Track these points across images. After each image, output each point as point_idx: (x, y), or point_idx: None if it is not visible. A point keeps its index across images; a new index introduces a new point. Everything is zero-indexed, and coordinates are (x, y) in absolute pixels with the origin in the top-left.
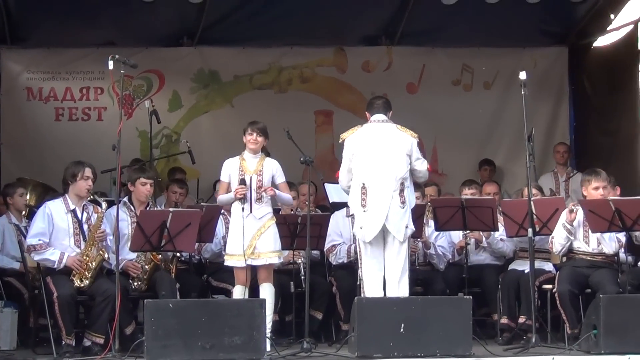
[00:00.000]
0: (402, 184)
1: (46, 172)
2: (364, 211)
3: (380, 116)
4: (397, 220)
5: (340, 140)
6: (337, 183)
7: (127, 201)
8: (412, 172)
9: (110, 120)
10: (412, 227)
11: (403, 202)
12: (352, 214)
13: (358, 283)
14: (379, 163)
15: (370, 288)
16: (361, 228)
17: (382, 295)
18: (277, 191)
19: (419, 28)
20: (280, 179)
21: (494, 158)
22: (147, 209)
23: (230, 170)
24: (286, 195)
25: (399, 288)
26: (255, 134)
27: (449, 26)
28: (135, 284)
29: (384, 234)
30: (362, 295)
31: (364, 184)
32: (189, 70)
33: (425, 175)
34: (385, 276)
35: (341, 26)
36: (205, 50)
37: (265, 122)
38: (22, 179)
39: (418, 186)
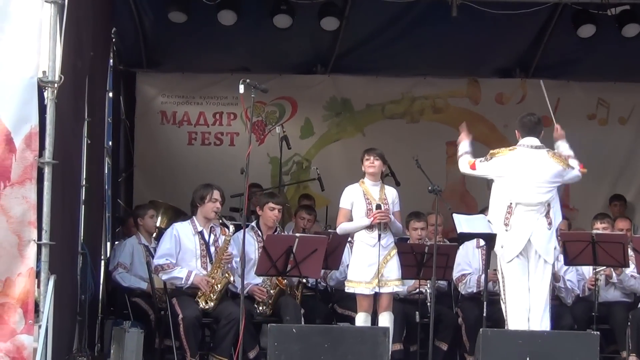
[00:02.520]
0: (548, 205)
1: (177, 195)
2: (507, 230)
3: (532, 140)
4: (545, 241)
5: (489, 156)
6: (466, 214)
7: (255, 226)
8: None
9: (242, 145)
10: (559, 249)
11: (550, 224)
12: (484, 245)
13: (484, 314)
14: (527, 188)
15: (515, 320)
16: (502, 247)
17: (526, 326)
18: (391, 217)
19: (555, 61)
20: (397, 207)
21: (626, 194)
22: (274, 234)
23: (352, 197)
24: (399, 224)
25: (542, 321)
26: (372, 158)
27: (585, 59)
28: (260, 308)
29: (527, 258)
30: (505, 327)
31: (510, 204)
32: (322, 98)
33: (578, 179)
34: (530, 306)
35: (475, 57)
36: (338, 79)
37: (397, 152)
38: (153, 202)
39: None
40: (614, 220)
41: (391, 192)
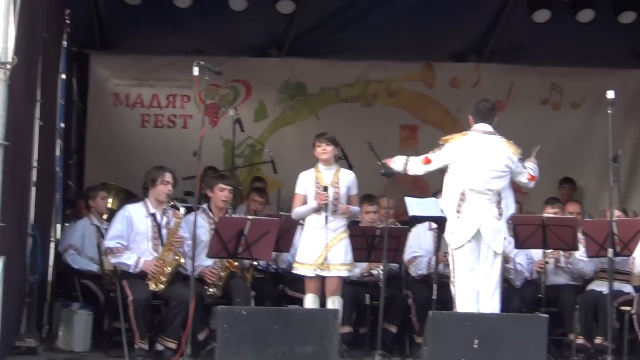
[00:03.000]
0: (499, 194)
1: (130, 177)
2: (458, 217)
3: (485, 126)
4: (493, 232)
5: (441, 142)
6: (418, 197)
7: (206, 208)
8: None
9: (195, 128)
10: (510, 239)
11: (500, 214)
12: (435, 227)
13: (434, 297)
14: (479, 174)
15: (464, 302)
16: (452, 233)
17: (476, 309)
18: (352, 208)
19: (509, 45)
20: (354, 190)
21: (578, 178)
22: (226, 216)
23: (306, 183)
24: (355, 208)
25: (491, 303)
26: (323, 144)
27: (540, 44)
28: (211, 290)
29: (478, 245)
30: (454, 309)
31: (462, 191)
32: (276, 81)
33: (527, 186)
34: (479, 290)
35: (430, 41)
36: (293, 62)
37: (350, 135)
38: (105, 184)
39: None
40: (564, 204)
41: (346, 176)
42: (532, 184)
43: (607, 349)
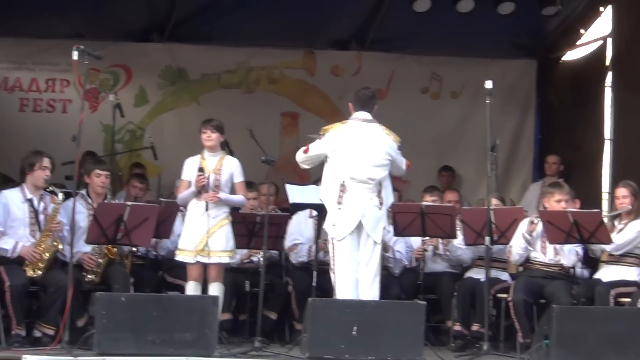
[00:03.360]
0: (380, 184)
1: (7, 162)
2: (339, 208)
3: (364, 114)
4: (374, 221)
5: (321, 132)
6: (299, 184)
7: (84, 194)
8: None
9: (75, 113)
10: (388, 229)
11: (381, 204)
12: (316, 215)
13: (313, 284)
14: (359, 163)
15: (344, 290)
16: (334, 225)
17: (355, 297)
18: (223, 195)
19: (390, 34)
20: (238, 178)
21: (457, 167)
22: (105, 202)
23: (191, 169)
24: (238, 197)
25: (371, 291)
26: (208, 131)
27: (420, 34)
28: (89, 276)
29: (358, 234)
30: (334, 296)
31: (343, 182)
32: (157, 66)
33: (403, 173)
34: (359, 277)
35: (312, 29)
36: (174, 47)
37: (231, 122)
38: None
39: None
40: (443, 191)
41: (230, 163)
42: (406, 171)
43: (484, 336)
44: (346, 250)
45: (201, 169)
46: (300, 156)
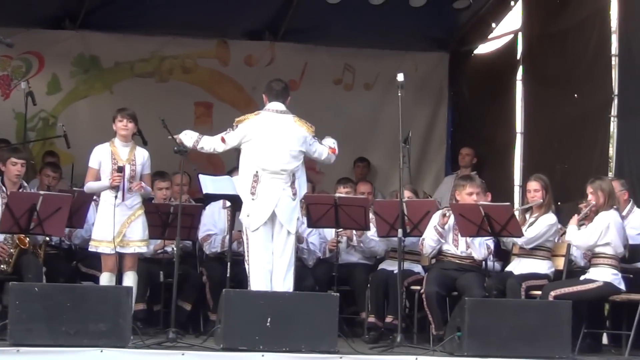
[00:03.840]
0: (294, 175)
1: None
2: (253, 199)
3: (278, 105)
4: (288, 212)
5: (234, 124)
6: (212, 174)
7: None
8: (315, 160)
9: None
10: (302, 220)
11: (294, 194)
12: (229, 205)
13: (227, 275)
14: (273, 154)
15: (258, 281)
16: (248, 216)
17: (269, 288)
18: (144, 186)
19: (303, 25)
20: (147, 170)
21: (371, 158)
22: (20, 190)
23: (100, 157)
24: (148, 187)
25: (285, 282)
26: (125, 120)
27: (332, 25)
28: (1, 266)
29: (272, 225)
30: (248, 287)
31: (256, 172)
32: (70, 54)
33: (330, 161)
34: (272, 269)
35: (225, 18)
36: (87, 35)
37: (144, 111)
38: None
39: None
40: (357, 183)
41: (141, 154)
42: (333, 158)
43: (398, 328)
44: (260, 241)
45: (120, 169)
46: (215, 145)
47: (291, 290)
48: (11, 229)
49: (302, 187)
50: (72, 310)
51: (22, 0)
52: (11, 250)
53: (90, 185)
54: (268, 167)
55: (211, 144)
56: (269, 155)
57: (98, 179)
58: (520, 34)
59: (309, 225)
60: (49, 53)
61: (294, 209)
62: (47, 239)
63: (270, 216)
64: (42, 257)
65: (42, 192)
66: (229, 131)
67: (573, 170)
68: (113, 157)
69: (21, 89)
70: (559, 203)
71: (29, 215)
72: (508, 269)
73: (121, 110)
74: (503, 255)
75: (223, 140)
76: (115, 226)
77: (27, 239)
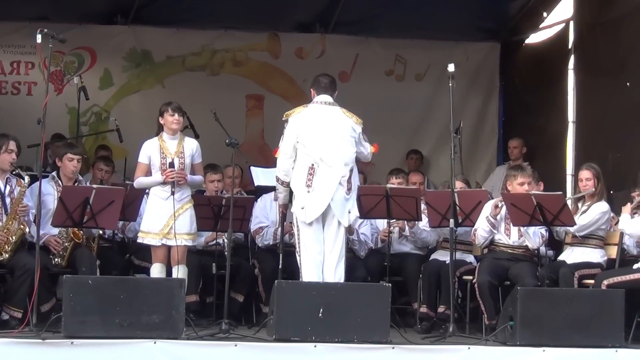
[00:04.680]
0: (350, 168)
1: None
2: (308, 192)
3: (326, 97)
4: (342, 206)
5: (284, 118)
6: (264, 167)
7: (55, 176)
8: (358, 155)
9: (40, 95)
10: (356, 213)
11: (349, 190)
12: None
13: (280, 266)
14: (328, 146)
15: (309, 272)
16: (302, 208)
17: (320, 279)
18: (188, 177)
19: (354, 17)
20: (198, 159)
21: (422, 149)
22: (75, 185)
23: (150, 152)
24: (198, 177)
25: (336, 273)
26: (176, 114)
27: (383, 16)
28: (56, 260)
29: (323, 217)
30: (300, 278)
31: (312, 165)
32: (122, 49)
33: (368, 158)
34: (324, 260)
35: (276, 11)
36: (139, 30)
37: (196, 104)
38: None
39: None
40: (408, 174)
41: (190, 145)
42: (371, 156)
43: (450, 318)
44: (311, 233)
45: (171, 164)
46: (280, 161)
47: (342, 280)
48: (65, 223)
49: (356, 182)
50: (126, 303)
51: None
52: (66, 244)
53: (140, 181)
54: (324, 159)
55: (282, 166)
56: (325, 146)
57: (148, 174)
58: (571, 23)
59: (360, 216)
60: (101, 48)
61: (348, 203)
62: (101, 232)
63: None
64: (96, 250)
65: (95, 186)
66: (281, 138)
67: (626, 159)
68: (162, 151)
69: (74, 84)
70: (611, 192)
71: (82, 209)
72: (561, 258)
73: (170, 104)
74: (555, 244)
75: (276, 152)
76: (164, 218)
77: (81, 232)
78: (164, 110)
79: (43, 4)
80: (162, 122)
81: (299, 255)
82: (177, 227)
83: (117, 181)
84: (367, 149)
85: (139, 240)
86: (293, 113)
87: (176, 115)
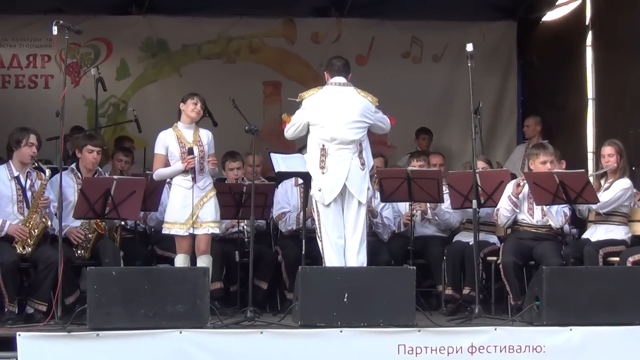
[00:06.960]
0: (360, 145)
1: None
2: (323, 173)
3: (340, 79)
4: (358, 182)
5: (298, 99)
6: (284, 153)
7: (74, 168)
8: (374, 128)
9: (57, 88)
10: (372, 189)
11: (363, 164)
12: (302, 183)
13: (303, 252)
14: (338, 126)
15: (331, 257)
16: (320, 190)
17: (342, 263)
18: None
19: (368, 0)
20: (212, 149)
21: (441, 130)
22: (95, 176)
23: (167, 142)
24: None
25: (358, 257)
26: (199, 104)
27: None
28: (79, 252)
29: (342, 198)
30: (323, 264)
31: (323, 146)
32: (137, 39)
33: (387, 129)
34: (345, 244)
35: None
36: (154, 19)
37: (213, 92)
38: None
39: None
40: (427, 155)
41: (205, 134)
42: (389, 129)
43: (475, 299)
44: (330, 217)
45: (191, 150)
46: (286, 129)
47: (365, 264)
48: (87, 215)
49: (369, 158)
50: (150, 293)
51: None
52: (89, 235)
53: (160, 172)
54: (336, 137)
55: (286, 134)
56: (335, 127)
57: (166, 164)
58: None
59: (382, 200)
60: (116, 39)
61: (364, 179)
62: (123, 223)
63: (341, 189)
64: (119, 241)
65: (115, 177)
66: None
67: None
68: (179, 140)
69: (90, 75)
70: (633, 168)
71: (103, 200)
72: (585, 236)
73: (193, 94)
74: (579, 222)
75: (289, 119)
76: (189, 208)
77: (103, 223)
78: (187, 98)
79: None
80: (182, 108)
81: (321, 241)
82: (203, 215)
83: (137, 172)
84: (387, 124)
85: (164, 232)
86: (307, 95)
87: (199, 105)
